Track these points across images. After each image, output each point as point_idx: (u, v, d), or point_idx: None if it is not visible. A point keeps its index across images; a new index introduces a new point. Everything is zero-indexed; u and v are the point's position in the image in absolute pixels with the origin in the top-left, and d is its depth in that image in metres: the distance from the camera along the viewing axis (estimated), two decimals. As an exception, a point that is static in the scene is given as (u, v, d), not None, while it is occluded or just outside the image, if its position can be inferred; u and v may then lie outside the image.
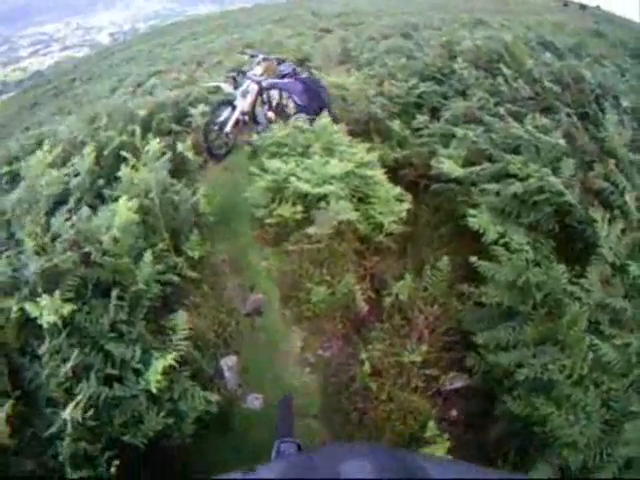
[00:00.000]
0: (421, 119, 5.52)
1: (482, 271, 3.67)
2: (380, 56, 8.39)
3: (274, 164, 4.67)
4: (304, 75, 6.70)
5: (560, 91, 5.41)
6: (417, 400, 3.62)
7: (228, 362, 4.03)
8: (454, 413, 3.76)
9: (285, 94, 6.49)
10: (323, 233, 4.22)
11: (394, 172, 5.17)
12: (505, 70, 5.68)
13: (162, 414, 3.15)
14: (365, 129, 5.80)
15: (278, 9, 28.10)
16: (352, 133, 5.48)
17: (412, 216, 4.74)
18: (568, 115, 5.04)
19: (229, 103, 6.37)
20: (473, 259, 3.71)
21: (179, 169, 5.74)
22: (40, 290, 3.34)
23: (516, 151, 4.60)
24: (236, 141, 6.60)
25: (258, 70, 6.57)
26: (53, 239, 3.97)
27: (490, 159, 4.68)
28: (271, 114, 6.53)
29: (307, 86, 6.39)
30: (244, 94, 6.39)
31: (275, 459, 1.63)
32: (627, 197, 3.90)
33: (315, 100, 6.28)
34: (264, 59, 6.72)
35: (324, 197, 4.32)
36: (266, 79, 6.57)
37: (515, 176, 4.24)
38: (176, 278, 4.17)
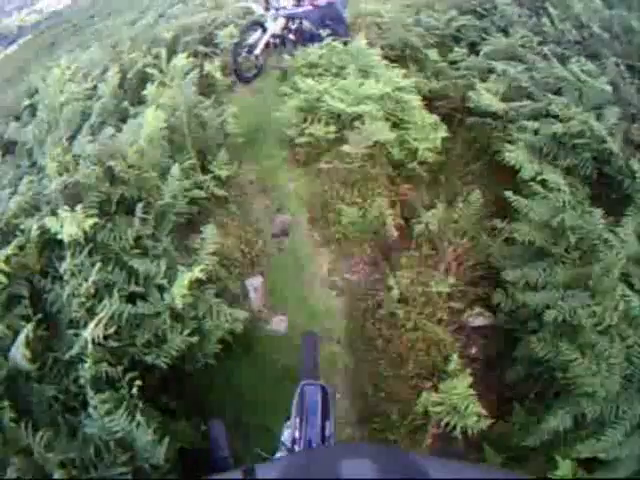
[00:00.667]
0: (459, 52, 5.33)
1: (517, 207, 3.62)
2: None
3: (307, 83, 4.55)
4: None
5: (608, 39, 5.20)
6: (441, 332, 3.61)
7: (254, 282, 3.99)
8: (474, 350, 3.79)
9: (306, 22, 6.34)
10: (357, 153, 4.12)
11: (429, 102, 5.01)
12: (552, 10, 5.44)
13: (186, 332, 3.09)
14: (401, 56, 5.61)
15: None
16: (387, 58, 5.28)
17: (446, 148, 4.64)
18: (616, 64, 4.86)
19: (260, 25, 6.17)
20: (509, 194, 3.65)
21: (207, 89, 5.59)
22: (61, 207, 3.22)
23: (558, 93, 4.45)
24: (266, 64, 6.40)
25: None
26: (76, 159, 3.84)
27: (530, 97, 4.53)
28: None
29: (325, 16, 6.20)
30: (275, 17, 6.19)
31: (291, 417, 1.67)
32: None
33: (334, 25, 6.09)
34: None
35: (359, 117, 4.20)
36: (285, 9, 6.34)
37: (556, 117, 4.12)
38: (203, 194, 4.12)
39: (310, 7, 6.32)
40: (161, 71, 4.87)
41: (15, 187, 3.91)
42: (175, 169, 3.73)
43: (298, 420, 1.74)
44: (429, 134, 4.34)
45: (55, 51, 14.83)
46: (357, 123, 4.17)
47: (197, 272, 3.08)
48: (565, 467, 2.73)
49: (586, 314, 3.03)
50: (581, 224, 3.42)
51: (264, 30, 6.11)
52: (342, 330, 3.79)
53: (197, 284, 3.22)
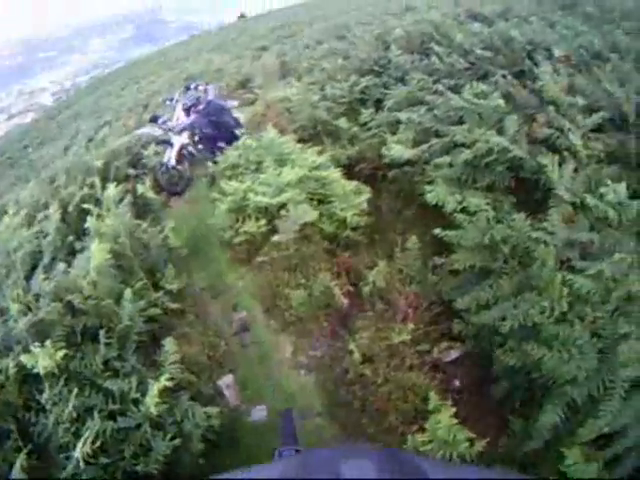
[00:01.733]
0: (366, 113, 5.66)
1: (448, 240, 3.75)
2: (318, 62, 8.55)
3: (231, 185, 4.84)
4: (210, 99, 6.73)
5: (492, 56, 5.57)
6: (414, 376, 3.69)
7: (226, 381, 4.13)
8: (457, 383, 3.84)
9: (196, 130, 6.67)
10: (289, 239, 4.32)
11: (350, 169, 5.32)
12: (437, 48, 5.83)
13: (168, 437, 3.26)
14: (314, 134, 5.96)
15: (214, 37, 28.13)
16: (302, 140, 5.60)
17: (374, 207, 4.89)
18: (504, 76, 5.17)
19: (166, 142, 6.61)
20: (437, 231, 3.80)
21: (144, 210, 5.93)
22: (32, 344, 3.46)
23: (461, 122, 4.72)
24: (192, 174, 6.76)
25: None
26: (36, 297, 4.12)
27: (438, 135, 4.79)
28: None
29: (211, 116, 6.55)
30: (176, 132, 6.57)
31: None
32: (572, 137, 4.02)
33: (223, 125, 6.51)
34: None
35: (283, 205, 4.44)
36: (179, 124, 6.68)
37: (463, 145, 4.37)
38: (159, 311, 4.32)
39: (195, 115, 6.63)
40: (97, 202, 5.22)
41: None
42: (127, 293, 3.96)
43: None
44: (353, 201, 4.58)
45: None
46: (283, 212, 4.40)
47: (164, 381, 3.32)
48: (573, 455, 2.77)
49: (537, 312, 3.13)
50: (510, 233, 3.59)
51: (172, 145, 6.52)
52: (319, 404, 3.88)
53: (170, 392, 3.46)
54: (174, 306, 4.51)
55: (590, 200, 3.46)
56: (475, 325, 3.54)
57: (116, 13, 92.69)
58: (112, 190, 5.17)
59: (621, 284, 3.02)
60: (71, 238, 5.32)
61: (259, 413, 3.95)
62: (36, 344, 3.36)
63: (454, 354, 3.88)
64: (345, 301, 4.25)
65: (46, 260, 4.99)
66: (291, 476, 1.03)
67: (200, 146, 6.74)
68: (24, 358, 3.32)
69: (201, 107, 6.59)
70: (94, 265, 4.06)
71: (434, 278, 4.05)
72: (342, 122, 5.68)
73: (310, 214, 4.27)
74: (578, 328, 3.00)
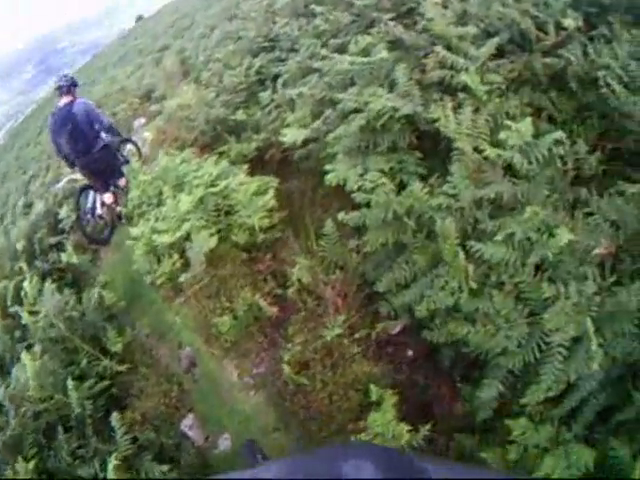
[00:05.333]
0: (265, 95, 5.15)
1: (352, 224, 3.36)
2: (212, 52, 7.85)
3: (136, 230, 4.52)
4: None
5: (375, 2, 4.97)
6: (356, 369, 3.45)
7: (187, 423, 3.98)
8: (409, 352, 3.58)
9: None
10: (200, 270, 4.01)
11: (261, 159, 4.84)
12: (318, 8, 5.22)
13: None
14: (215, 135, 5.44)
15: (117, 49, 24.67)
16: (204, 147, 5.12)
17: (287, 196, 4.48)
18: (389, 21, 4.63)
19: (90, 187, 5.95)
20: (341, 215, 3.40)
21: (74, 277, 5.60)
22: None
23: (353, 83, 4.24)
24: (115, 218, 6.16)
25: None
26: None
27: (333, 103, 4.31)
28: None
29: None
30: None
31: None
32: (464, 76, 3.54)
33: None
34: None
35: (187, 236, 4.10)
36: None
37: (357, 110, 3.87)
38: (107, 383, 4.16)
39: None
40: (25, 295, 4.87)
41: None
42: (70, 384, 3.84)
43: None
44: (257, 203, 4.18)
45: None
46: (188, 243, 4.08)
47: (114, 461, 3.31)
48: (518, 425, 2.60)
49: (448, 293, 2.85)
50: (411, 203, 3.18)
51: (95, 190, 5.95)
52: (273, 419, 3.69)
53: (133, 457, 3.54)
54: (122, 368, 4.28)
55: (489, 150, 3.04)
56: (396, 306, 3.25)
57: (9, 53, 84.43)
58: (27, 284, 4.82)
59: (538, 244, 2.66)
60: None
61: (225, 442, 3.81)
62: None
63: (399, 326, 3.56)
64: (274, 309, 3.93)
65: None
66: (292, 476, 1.00)
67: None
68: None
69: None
70: (30, 373, 3.93)
71: (355, 260, 3.69)
72: (240, 115, 5.22)
73: (209, 241, 3.92)
74: (499, 298, 2.69)
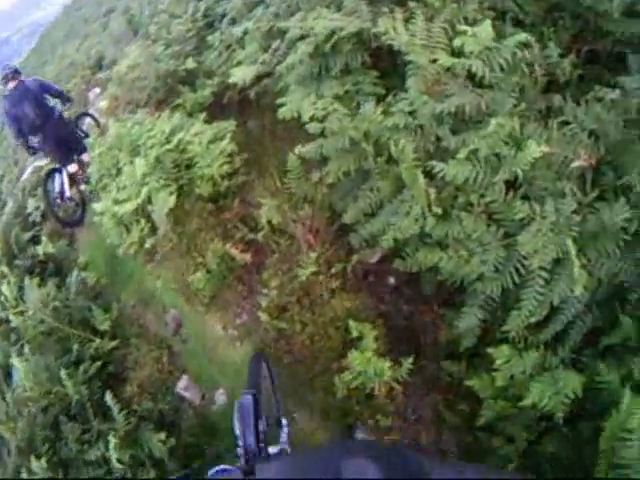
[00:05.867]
0: (214, 37, 4.79)
1: (307, 156, 3.17)
2: (157, 3, 7.37)
3: (100, 205, 4.32)
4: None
5: None
6: (336, 305, 3.31)
7: (181, 385, 3.96)
8: (392, 280, 3.45)
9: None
10: (167, 230, 3.88)
11: (220, 104, 4.58)
12: None
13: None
14: (168, 90, 5.05)
15: (61, 24, 22.67)
16: (159, 104, 4.87)
17: (247, 137, 4.31)
18: None
19: (55, 170, 5.79)
20: (297, 150, 3.20)
21: (55, 265, 5.41)
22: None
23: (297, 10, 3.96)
24: (83, 196, 5.99)
25: None
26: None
27: (281, 33, 4.00)
28: None
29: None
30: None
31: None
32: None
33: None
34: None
35: (149, 200, 3.92)
36: None
37: (303, 37, 3.59)
38: (99, 364, 4.11)
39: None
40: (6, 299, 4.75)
41: None
42: (63, 374, 3.80)
43: (240, 431, 1.67)
44: (214, 151, 3.94)
45: None
46: (149, 206, 3.92)
47: (114, 440, 3.38)
48: (500, 353, 2.49)
49: (412, 221, 2.65)
50: (367, 127, 2.95)
51: (60, 172, 5.75)
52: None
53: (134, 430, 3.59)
54: (114, 344, 4.25)
55: (444, 59, 2.77)
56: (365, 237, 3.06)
57: None
58: (4, 288, 4.68)
59: (506, 159, 2.40)
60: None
61: (221, 397, 3.80)
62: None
63: (377, 254, 3.40)
64: (247, 256, 3.76)
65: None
66: (292, 476, 1.00)
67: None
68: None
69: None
70: (23, 374, 3.97)
71: (321, 192, 3.51)
72: (190, 63, 4.89)
73: (168, 200, 3.76)
74: (468, 220, 2.48)
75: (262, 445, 1.63)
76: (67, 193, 5.72)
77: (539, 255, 2.26)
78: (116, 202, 4.04)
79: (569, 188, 2.31)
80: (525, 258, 2.34)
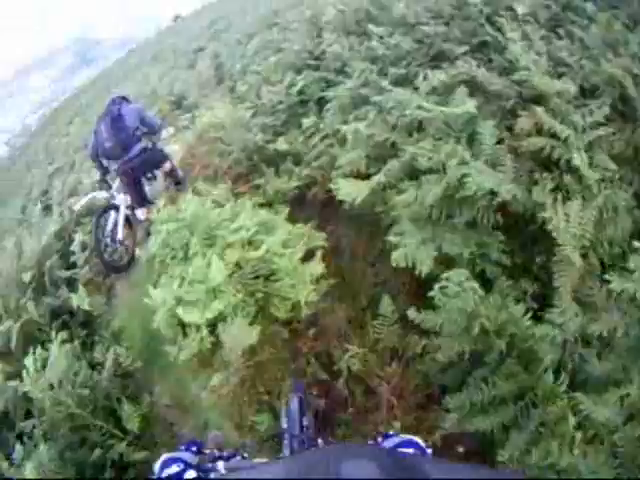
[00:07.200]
0: (309, 121, 4.34)
1: (427, 327, 2.70)
2: (250, 61, 6.96)
3: (158, 294, 3.53)
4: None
5: (445, 28, 4.19)
6: None
7: None
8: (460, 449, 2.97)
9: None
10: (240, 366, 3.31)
11: (303, 198, 4.10)
12: (375, 29, 4.41)
13: None
14: (251, 165, 4.58)
15: (151, 46, 23.50)
16: (238, 178, 4.34)
17: (333, 248, 3.76)
18: (464, 54, 3.88)
19: (112, 207, 5.11)
20: (412, 314, 2.74)
21: (85, 319, 4.76)
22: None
23: (421, 129, 3.50)
24: (135, 243, 5.33)
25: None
26: None
27: (394, 147, 3.55)
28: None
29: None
30: (120, 189, 5.18)
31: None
32: (575, 154, 2.85)
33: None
34: None
35: (222, 316, 3.27)
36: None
37: (430, 170, 3.17)
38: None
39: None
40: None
41: None
42: None
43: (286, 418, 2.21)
44: (304, 273, 3.38)
45: None
46: (220, 328, 3.26)
47: None
48: None
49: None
50: (505, 321, 2.61)
51: (117, 209, 5.09)
52: None
53: None
54: (140, 456, 3.54)
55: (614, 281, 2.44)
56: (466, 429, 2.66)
57: (51, 44, 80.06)
58: (30, 360, 3.81)
59: None
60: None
61: None
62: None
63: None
64: (322, 402, 3.21)
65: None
66: (291, 476, 0.93)
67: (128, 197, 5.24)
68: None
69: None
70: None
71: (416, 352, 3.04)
72: (281, 143, 4.38)
73: (249, 334, 3.13)
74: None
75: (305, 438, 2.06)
76: (120, 235, 5.02)
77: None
78: (179, 301, 3.34)
79: None
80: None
